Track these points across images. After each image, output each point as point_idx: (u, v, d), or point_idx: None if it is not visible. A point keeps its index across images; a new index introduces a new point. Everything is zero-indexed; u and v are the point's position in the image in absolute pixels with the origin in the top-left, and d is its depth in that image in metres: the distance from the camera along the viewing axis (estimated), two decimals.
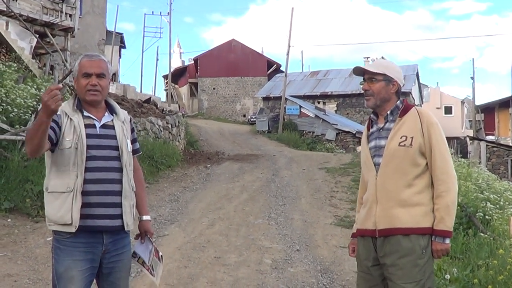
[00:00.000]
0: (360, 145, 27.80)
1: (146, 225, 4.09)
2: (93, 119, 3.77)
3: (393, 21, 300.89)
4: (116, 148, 3.82)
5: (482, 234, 9.27)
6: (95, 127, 3.77)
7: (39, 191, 10.23)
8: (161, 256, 4.08)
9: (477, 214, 10.49)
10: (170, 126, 23.12)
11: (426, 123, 3.79)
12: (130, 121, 4.09)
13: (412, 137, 3.76)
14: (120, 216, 3.75)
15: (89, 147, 3.67)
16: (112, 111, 3.92)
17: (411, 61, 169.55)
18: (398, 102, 3.95)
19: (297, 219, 11.27)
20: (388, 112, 3.93)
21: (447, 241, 3.71)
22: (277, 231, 10.11)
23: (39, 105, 13.29)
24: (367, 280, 3.94)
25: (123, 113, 4.02)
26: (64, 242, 3.60)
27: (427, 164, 3.81)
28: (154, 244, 4.09)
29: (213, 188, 15.20)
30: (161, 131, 21.60)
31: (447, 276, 6.83)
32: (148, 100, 28.25)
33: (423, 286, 3.68)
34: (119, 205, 3.75)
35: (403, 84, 4.07)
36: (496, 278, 6.11)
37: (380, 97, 3.92)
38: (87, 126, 3.72)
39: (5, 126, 11.63)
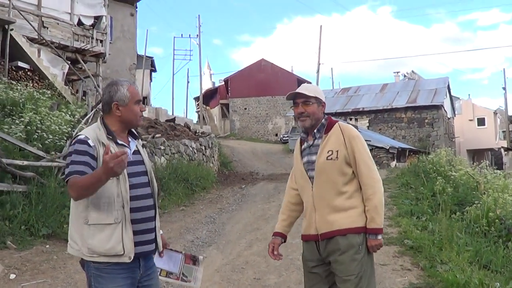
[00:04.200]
0: (393, 160, 27.70)
1: (163, 239, 4.15)
2: (125, 146, 3.79)
3: (421, 35, 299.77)
4: (145, 173, 3.88)
5: None
6: (128, 154, 3.76)
7: None
8: (200, 259, 4.27)
9: None
10: (203, 148, 23.16)
11: (347, 137, 4.30)
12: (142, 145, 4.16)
13: (337, 151, 4.25)
14: (153, 240, 3.85)
15: (128, 175, 3.69)
16: (133, 136, 3.96)
17: (442, 74, 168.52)
18: (324, 120, 4.49)
19: None
20: (315, 131, 4.43)
21: (379, 237, 4.23)
22: None
23: (73, 131, 13.37)
24: (311, 278, 4.40)
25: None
26: (106, 270, 3.59)
27: (353, 172, 4.29)
28: (183, 251, 4.24)
29: (249, 208, 15.13)
30: (195, 153, 21.64)
31: None
32: (172, 120, 28.37)
33: (361, 278, 4.14)
34: (153, 230, 3.84)
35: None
36: None
37: (315, 117, 4.42)
38: None
39: (41, 153, 11.70)
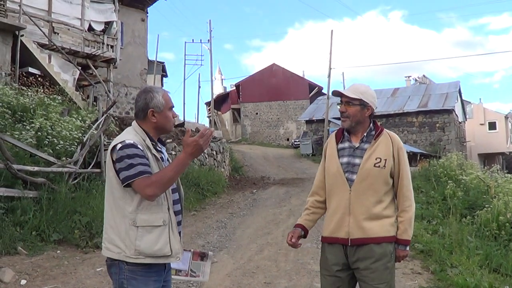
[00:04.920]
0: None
1: None
2: (161, 151, 3.88)
3: (432, 39, 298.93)
4: None
5: None
6: (164, 160, 3.86)
7: (87, 222, 10.29)
8: (209, 254, 4.26)
9: None
10: (214, 153, 23.17)
11: (396, 147, 4.30)
12: None
13: (385, 160, 4.23)
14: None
15: None
16: (161, 142, 4.00)
17: (453, 78, 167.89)
18: (371, 124, 4.39)
19: None
20: (365, 134, 4.34)
21: (408, 248, 4.32)
22: None
23: (84, 136, 13.41)
24: (333, 282, 4.35)
25: None
26: (140, 272, 3.65)
27: (393, 182, 4.32)
28: (192, 249, 4.23)
29: (260, 213, 15.13)
30: (206, 158, 21.65)
31: None
32: (181, 125, 28.47)
33: (391, 286, 4.21)
34: (180, 234, 3.91)
35: (376, 107, 4.45)
36: None
37: (356, 119, 4.31)
38: (161, 159, 3.82)
39: (51, 159, 11.75)
